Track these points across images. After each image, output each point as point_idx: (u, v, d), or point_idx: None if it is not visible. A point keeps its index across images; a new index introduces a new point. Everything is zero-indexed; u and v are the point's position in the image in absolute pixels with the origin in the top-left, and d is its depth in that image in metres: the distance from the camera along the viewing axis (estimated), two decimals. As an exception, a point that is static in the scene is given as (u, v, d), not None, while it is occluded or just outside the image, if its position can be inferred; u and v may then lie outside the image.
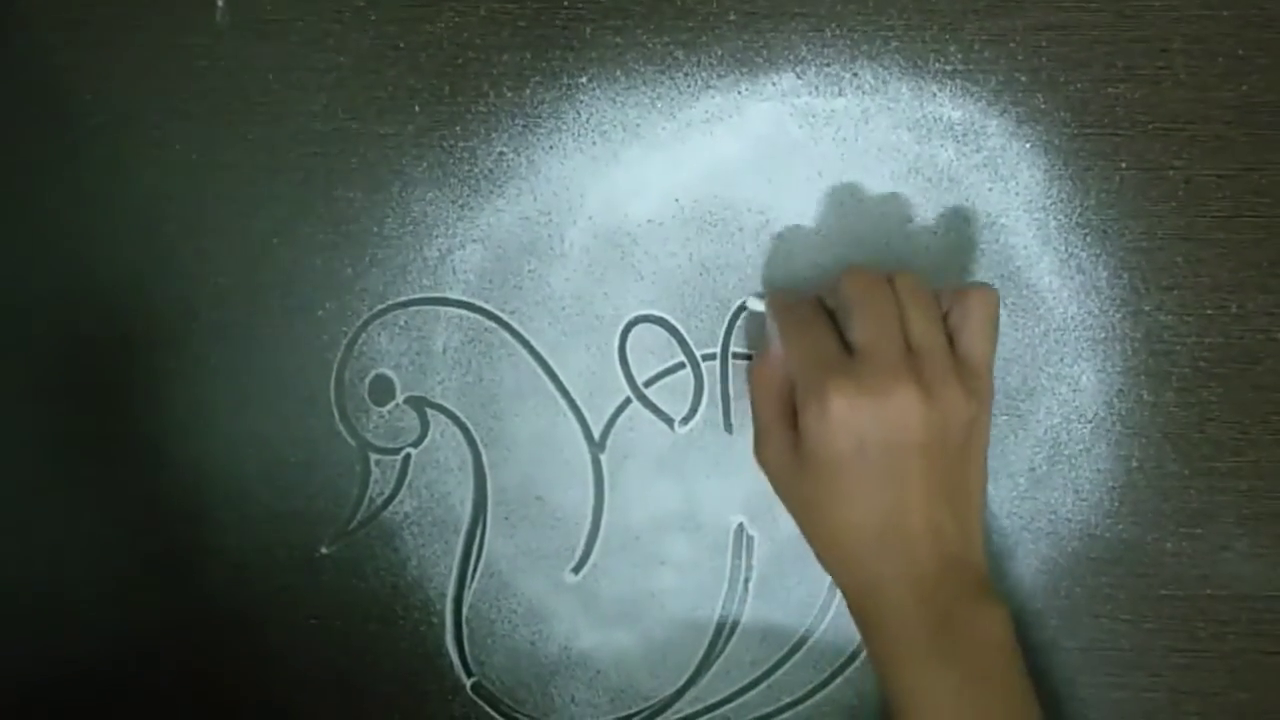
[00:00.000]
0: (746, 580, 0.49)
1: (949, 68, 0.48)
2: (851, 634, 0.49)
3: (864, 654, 0.49)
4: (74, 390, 0.49)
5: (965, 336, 0.42)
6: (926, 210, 0.48)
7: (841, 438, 0.40)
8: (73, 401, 0.49)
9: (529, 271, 0.49)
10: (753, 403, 0.45)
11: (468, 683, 0.49)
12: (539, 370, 0.49)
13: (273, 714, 0.50)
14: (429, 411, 0.49)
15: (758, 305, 0.47)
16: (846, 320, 0.42)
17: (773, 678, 0.49)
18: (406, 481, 0.49)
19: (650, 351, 0.49)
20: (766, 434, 0.44)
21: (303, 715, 0.50)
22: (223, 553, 0.49)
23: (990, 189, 0.48)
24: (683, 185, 0.48)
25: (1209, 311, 0.48)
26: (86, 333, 0.49)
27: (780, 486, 0.44)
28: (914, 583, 0.41)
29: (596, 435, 0.49)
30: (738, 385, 0.49)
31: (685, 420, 0.49)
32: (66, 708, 0.50)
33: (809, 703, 0.49)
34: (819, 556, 0.43)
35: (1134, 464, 0.48)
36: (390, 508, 0.49)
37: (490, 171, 0.48)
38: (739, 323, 0.48)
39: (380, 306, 0.49)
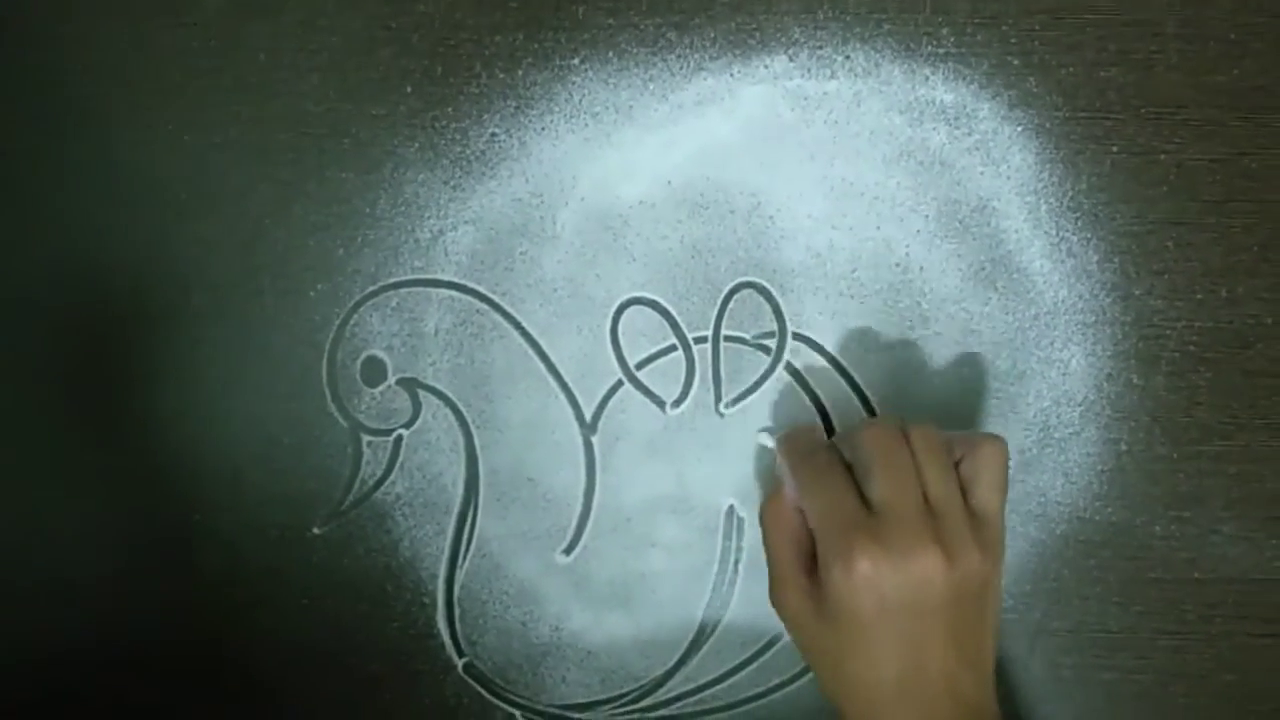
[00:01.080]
0: (737, 562, 0.49)
1: (941, 51, 0.48)
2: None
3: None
4: (66, 373, 0.49)
5: (979, 490, 0.42)
6: (918, 193, 0.48)
7: (865, 597, 0.40)
8: (65, 384, 0.49)
9: (521, 253, 0.49)
10: (767, 545, 0.44)
11: (459, 663, 0.50)
12: (530, 352, 0.49)
13: (264, 693, 0.50)
14: (421, 393, 0.49)
15: (768, 442, 0.48)
16: (865, 475, 0.42)
17: (763, 659, 0.49)
18: (398, 463, 0.49)
19: (642, 334, 0.49)
20: (783, 581, 0.43)
21: (294, 695, 0.50)
22: (215, 533, 0.49)
23: (982, 172, 0.48)
24: (675, 167, 0.48)
25: (1199, 296, 0.48)
26: (78, 314, 0.49)
27: (798, 633, 0.44)
28: None
29: (588, 417, 0.49)
30: (729, 367, 0.49)
31: (677, 403, 0.49)
32: (59, 686, 0.50)
33: (798, 683, 0.49)
34: (835, 705, 0.43)
35: (1123, 448, 0.48)
36: (382, 489, 0.49)
37: (482, 153, 0.48)
38: (755, 459, 0.49)
39: (372, 288, 0.49)
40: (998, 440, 0.43)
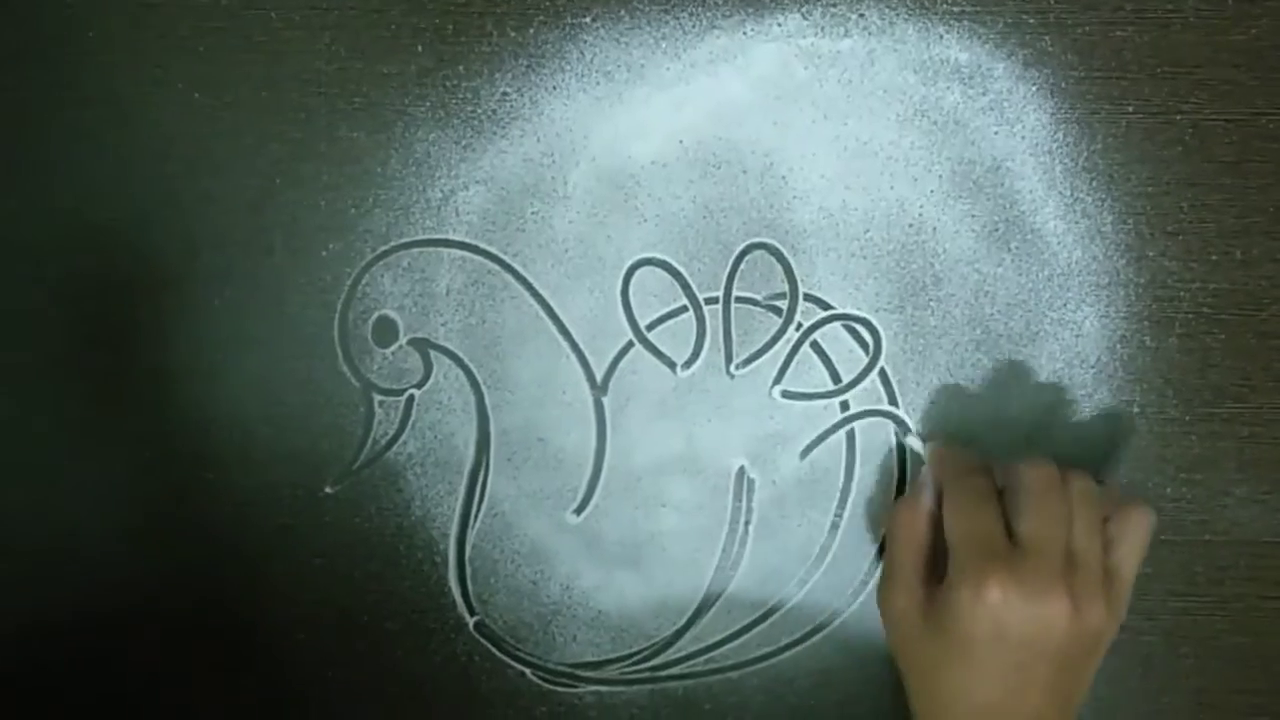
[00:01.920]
0: (747, 523, 0.49)
1: (956, 9, 0.47)
2: (851, 575, 0.49)
3: (863, 593, 0.49)
4: (77, 333, 0.49)
5: (1120, 551, 0.43)
6: (932, 153, 0.48)
7: (986, 624, 0.41)
8: (76, 344, 0.49)
9: (532, 213, 0.49)
10: (891, 546, 0.45)
11: (470, 621, 0.50)
12: (541, 313, 0.49)
13: (277, 652, 0.50)
14: (432, 353, 0.49)
15: (918, 446, 0.48)
16: (1017, 509, 0.42)
17: (772, 619, 0.49)
18: (410, 422, 0.49)
19: (653, 294, 0.49)
20: (898, 582, 0.44)
21: (306, 653, 0.50)
22: (227, 493, 0.49)
23: (996, 132, 0.48)
24: (687, 127, 0.48)
25: (1213, 257, 0.48)
26: (89, 274, 0.49)
27: (899, 637, 0.44)
28: None
29: (599, 378, 0.49)
30: (740, 329, 0.49)
31: (687, 364, 0.49)
32: (73, 647, 0.50)
33: (808, 643, 0.50)
34: (914, 707, 0.44)
35: (1135, 409, 0.48)
36: (394, 448, 0.49)
37: (493, 112, 0.48)
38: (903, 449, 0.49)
39: (383, 248, 0.49)
40: (1148, 509, 0.43)
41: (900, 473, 0.49)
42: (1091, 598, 0.41)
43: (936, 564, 0.43)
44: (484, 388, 0.49)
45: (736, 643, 0.50)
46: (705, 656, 0.50)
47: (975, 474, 0.44)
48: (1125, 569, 0.43)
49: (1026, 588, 0.40)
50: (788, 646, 0.50)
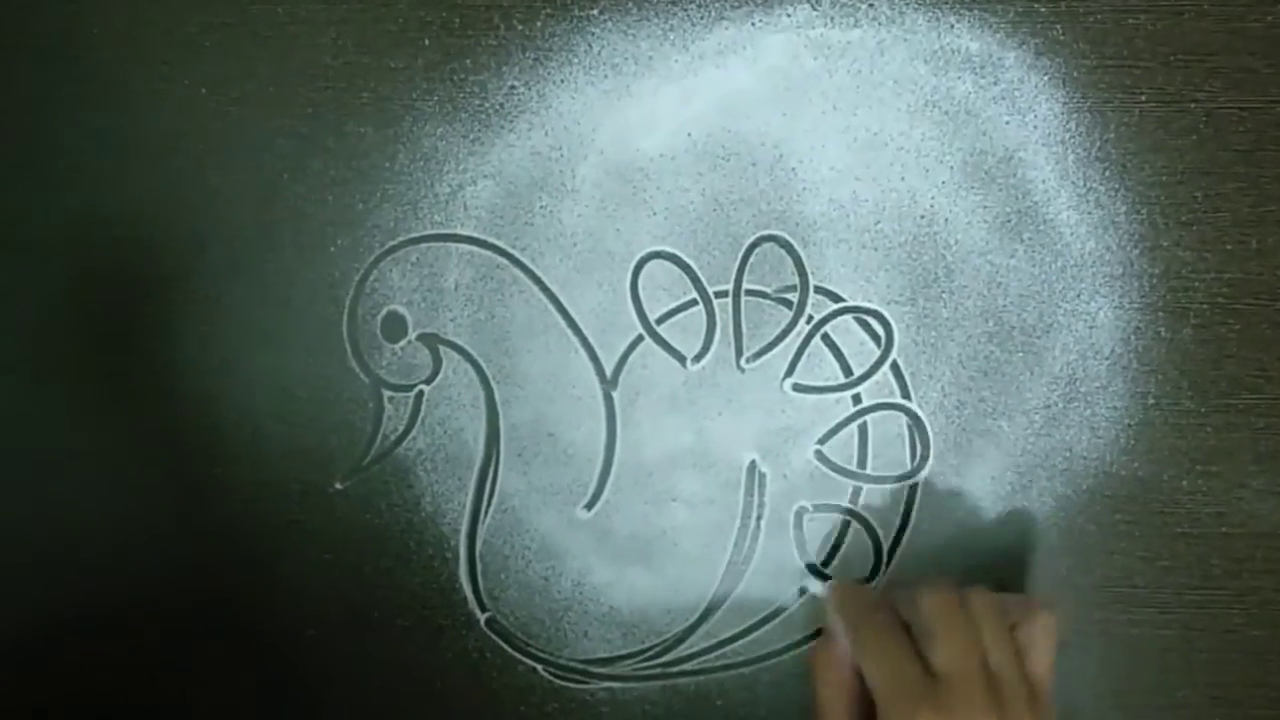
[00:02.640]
0: (759, 517, 0.49)
1: (967, -2, 0.47)
2: (863, 570, 0.49)
3: (877, 587, 0.49)
4: (85, 328, 0.49)
5: (1034, 657, 0.42)
6: (943, 144, 0.47)
7: None
8: (84, 339, 0.49)
9: (540, 207, 0.48)
10: (816, 693, 0.45)
11: (481, 618, 0.50)
12: (550, 307, 0.49)
13: (287, 648, 0.50)
14: (441, 348, 0.49)
15: (818, 590, 0.48)
16: (927, 640, 0.42)
17: (785, 614, 0.49)
18: (420, 418, 0.49)
19: (662, 288, 0.48)
20: None
21: (317, 650, 0.50)
22: (236, 489, 0.49)
23: (1008, 122, 0.47)
24: (695, 119, 0.48)
25: (1228, 247, 0.47)
26: (97, 270, 0.49)
27: None
28: None
29: (609, 372, 0.49)
30: (750, 322, 0.48)
31: (698, 358, 0.49)
32: (82, 644, 0.50)
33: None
34: None
35: (1150, 401, 0.48)
36: (403, 444, 0.49)
37: (501, 106, 0.48)
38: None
39: (392, 243, 0.49)
40: (1050, 610, 0.43)
41: (913, 466, 0.48)
42: (1020, 714, 0.41)
43: (865, 697, 0.43)
44: (493, 383, 0.49)
45: (749, 638, 0.49)
46: (718, 652, 0.49)
47: (878, 611, 0.44)
48: (1042, 674, 0.43)
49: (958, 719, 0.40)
50: (801, 642, 0.49)
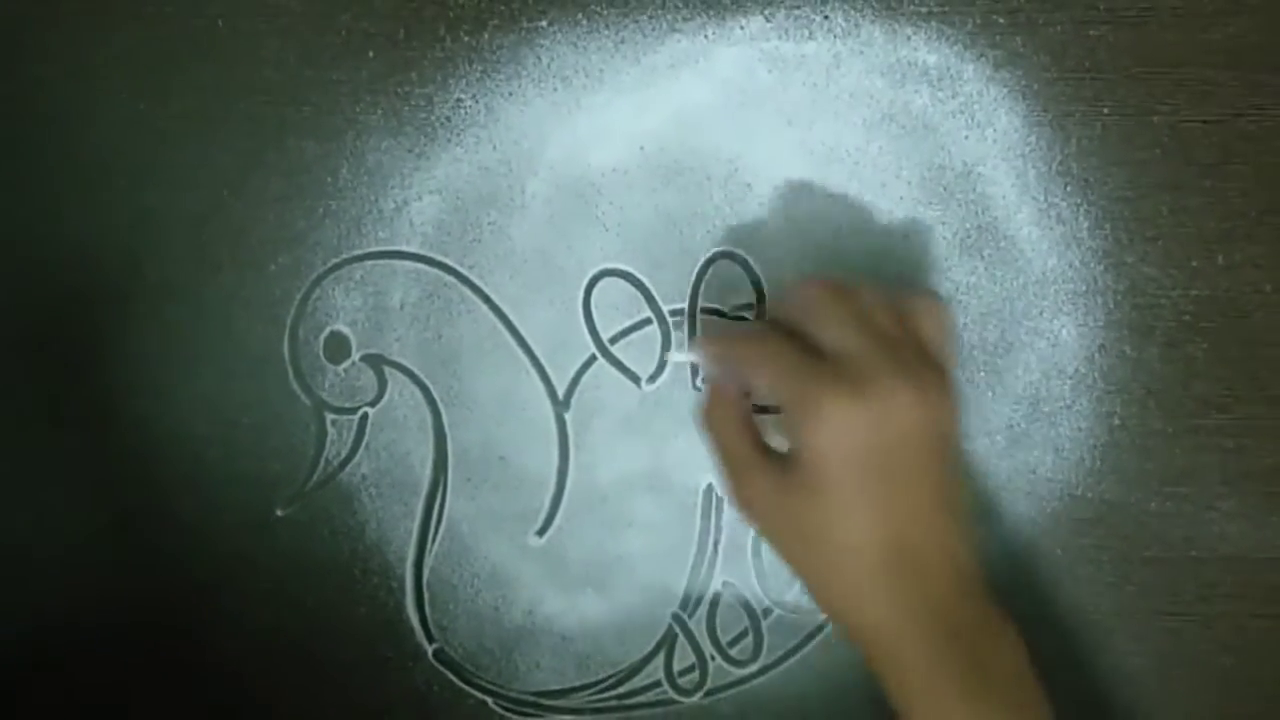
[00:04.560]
0: (716, 542, 0.48)
1: (924, 10, 0.46)
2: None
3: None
4: (18, 351, 0.48)
5: (927, 327, 0.40)
6: (900, 158, 0.46)
7: (841, 449, 0.37)
8: (17, 363, 0.48)
9: (488, 224, 0.47)
10: (717, 444, 0.41)
11: (429, 649, 0.48)
12: (500, 326, 0.47)
13: (229, 680, 0.48)
14: (386, 369, 0.47)
15: (679, 356, 0.46)
16: (813, 327, 0.39)
17: (742, 643, 0.48)
18: (364, 442, 0.48)
19: (615, 306, 0.47)
20: (745, 471, 0.40)
21: (259, 682, 0.48)
22: (175, 517, 0.48)
23: (967, 136, 0.46)
24: (648, 133, 0.47)
25: (1194, 263, 0.46)
26: (30, 291, 0.48)
27: (768, 524, 0.40)
28: (934, 615, 0.38)
29: (561, 393, 0.47)
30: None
31: (652, 378, 0.47)
32: (15, 672, 0.48)
33: (781, 667, 0.48)
34: (818, 597, 0.40)
35: (1116, 421, 0.47)
36: (347, 469, 0.48)
37: (447, 119, 0.47)
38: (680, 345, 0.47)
39: (335, 261, 0.47)
40: (937, 298, 0.42)
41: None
42: (925, 374, 0.38)
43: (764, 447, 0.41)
44: (441, 405, 0.48)
45: (706, 668, 0.48)
46: (673, 683, 0.48)
47: (749, 326, 0.43)
48: (937, 340, 0.40)
49: (860, 389, 0.37)
50: (760, 671, 0.48)
